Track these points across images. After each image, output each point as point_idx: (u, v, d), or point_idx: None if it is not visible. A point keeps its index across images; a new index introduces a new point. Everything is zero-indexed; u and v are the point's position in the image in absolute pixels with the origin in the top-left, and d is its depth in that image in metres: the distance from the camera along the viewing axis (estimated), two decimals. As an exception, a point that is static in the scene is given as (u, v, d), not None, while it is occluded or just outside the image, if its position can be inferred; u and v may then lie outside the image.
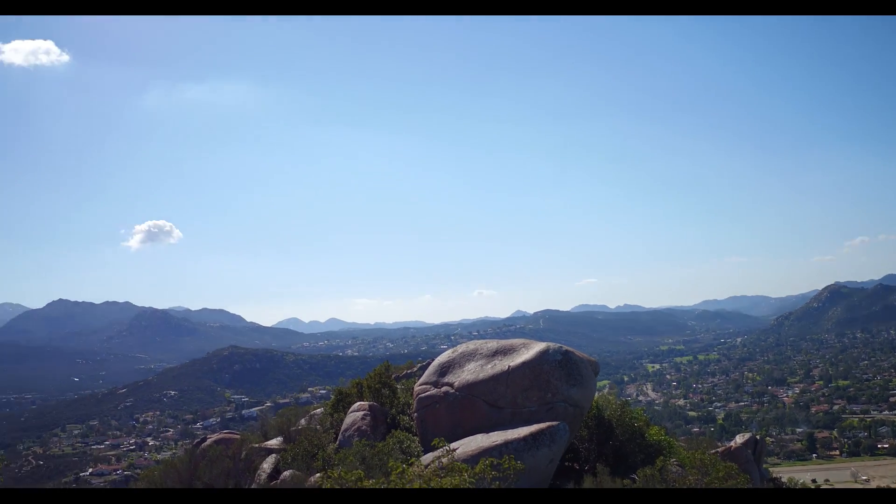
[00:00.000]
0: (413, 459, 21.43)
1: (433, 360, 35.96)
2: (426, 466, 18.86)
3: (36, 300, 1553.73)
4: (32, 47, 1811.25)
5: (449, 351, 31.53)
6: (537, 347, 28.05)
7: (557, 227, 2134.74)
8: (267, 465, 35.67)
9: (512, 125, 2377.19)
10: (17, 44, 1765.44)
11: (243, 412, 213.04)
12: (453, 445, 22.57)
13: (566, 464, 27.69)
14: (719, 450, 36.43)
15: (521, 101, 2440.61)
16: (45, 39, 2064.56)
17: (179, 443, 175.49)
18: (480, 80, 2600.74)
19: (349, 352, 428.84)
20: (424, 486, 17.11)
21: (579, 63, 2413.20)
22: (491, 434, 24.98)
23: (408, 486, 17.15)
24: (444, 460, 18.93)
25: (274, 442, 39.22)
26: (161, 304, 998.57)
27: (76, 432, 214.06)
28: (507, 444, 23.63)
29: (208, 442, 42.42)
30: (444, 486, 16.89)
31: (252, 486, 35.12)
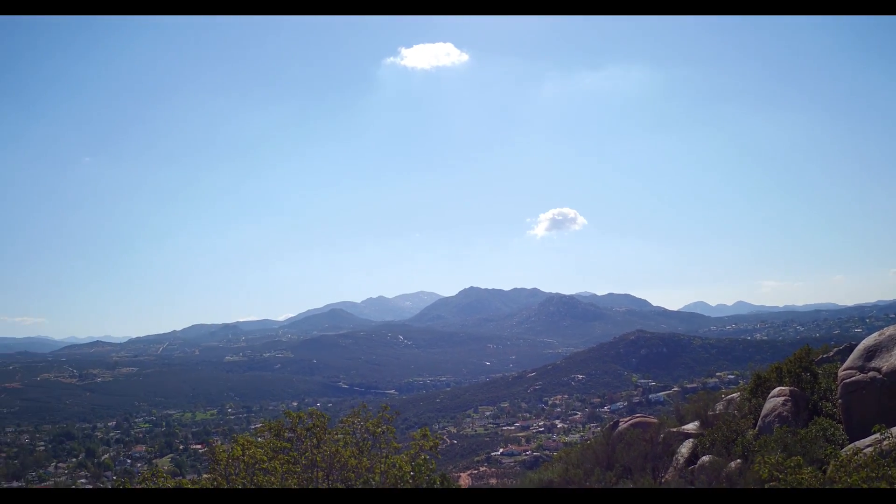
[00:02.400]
0: (849, 447, 20.93)
1: (850, 344, 35.22)
2: (856, 454, 18.16)
3: (449, 289, 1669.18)
4: (434, 51, 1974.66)
5: (875, 334, 30.84)
6: (976, 330, 26.83)
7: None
8: (684, 449, 37.04)
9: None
10: (419, 48, 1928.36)
11: (650, 396, 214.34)
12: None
13: None
14: None
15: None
16: (444, 42, 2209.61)
17: (587, 426, 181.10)
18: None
19: (757, 336, 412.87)
20: (871, 475, 16.82)
21: None
22: (925, 423, 24.41)
23: (853, 475, 16.93)
24: (886, 444, 18.59)
25: (690, 426, 40.38)
26: (567, 289, 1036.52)
27: (488, 413, 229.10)
28: (943, 435, 23.01)
29: (624, 425, 44.67)
30: (894, 476, 16.64)
31: (669, 471, 36.80)
